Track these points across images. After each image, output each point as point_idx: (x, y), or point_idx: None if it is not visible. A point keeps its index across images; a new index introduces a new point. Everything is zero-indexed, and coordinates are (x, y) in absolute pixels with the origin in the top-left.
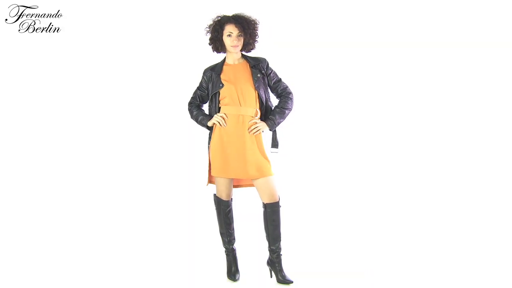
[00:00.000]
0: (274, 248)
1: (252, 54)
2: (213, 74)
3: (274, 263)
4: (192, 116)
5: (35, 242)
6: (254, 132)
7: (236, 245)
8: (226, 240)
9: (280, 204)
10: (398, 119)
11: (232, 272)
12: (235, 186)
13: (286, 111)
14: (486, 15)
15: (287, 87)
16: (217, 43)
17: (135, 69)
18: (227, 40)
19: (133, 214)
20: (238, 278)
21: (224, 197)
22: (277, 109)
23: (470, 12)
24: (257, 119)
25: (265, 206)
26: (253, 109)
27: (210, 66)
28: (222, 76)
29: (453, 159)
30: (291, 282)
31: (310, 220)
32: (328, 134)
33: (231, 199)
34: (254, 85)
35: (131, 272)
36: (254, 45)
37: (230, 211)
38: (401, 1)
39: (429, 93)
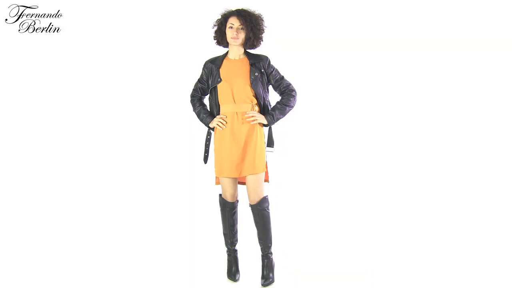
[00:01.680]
0: (261, 248)
1: (255, 52)
2: (213, 67)
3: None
4: (194, 110)
5: (35, 242)
6: (252, 121)
7: (238, 247)
8: (229, 241)
9: (269, 208)
10: (398, 119)
11: (232, 272)
12: (240, 183)
13: (287, 108)
14: (486, 15)
15: (290, 84)
16: (219, 35)
17: (135, 69)
18: (228, 32)
19: (133, 214)
20: (238, 278)
21: (228, 198)
22: (278, 105)
23: (470, 12)
24: (254, 111)
25: (251, 207)
26: (248, 105)
27: (210, 59)
28: (221, 70)
29: (453, 159)
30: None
31: (310, 220)
32: (328, 134)
33: (237, 200)
34: (251, 83)
35: (131, 272)
36: (258, 41)
37: (235, 213)
38: (401, 1)
39: (429, 93)
